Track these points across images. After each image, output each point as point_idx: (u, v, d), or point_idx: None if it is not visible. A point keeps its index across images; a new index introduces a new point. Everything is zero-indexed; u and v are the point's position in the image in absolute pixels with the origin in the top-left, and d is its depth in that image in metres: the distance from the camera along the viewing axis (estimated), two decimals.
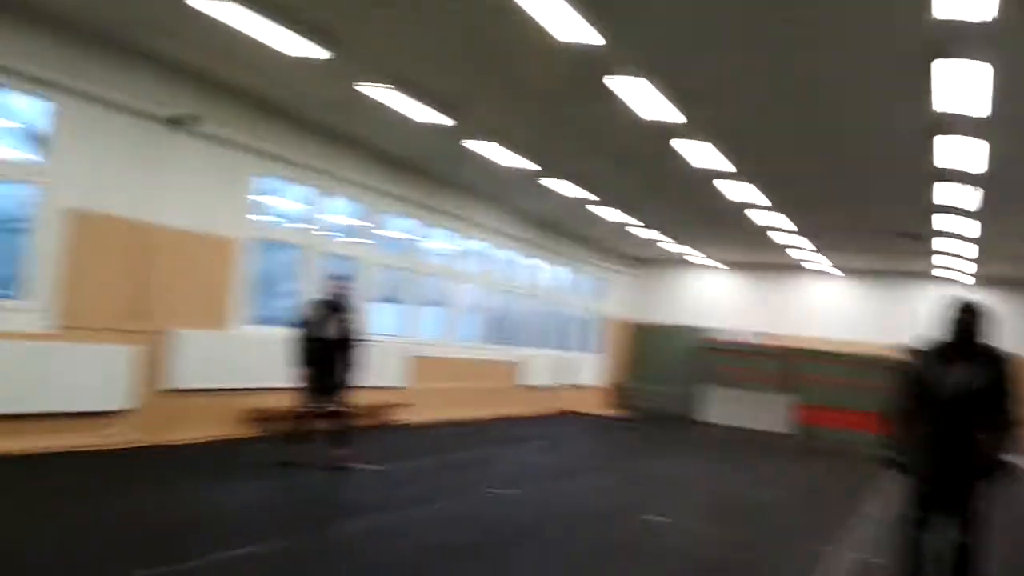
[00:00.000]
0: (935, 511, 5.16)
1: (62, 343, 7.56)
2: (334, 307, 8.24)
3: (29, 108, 7.72)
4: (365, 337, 8.54)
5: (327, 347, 8.13)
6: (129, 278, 8.23)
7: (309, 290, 10.22)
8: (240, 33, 6.74)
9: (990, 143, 7.87)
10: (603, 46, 6.38)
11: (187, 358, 8.74)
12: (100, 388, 7.87)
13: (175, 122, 8.47)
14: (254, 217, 9.84)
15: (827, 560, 6.46)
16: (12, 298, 7.60)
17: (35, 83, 7.22)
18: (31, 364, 7.29)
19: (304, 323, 8.19)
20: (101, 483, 6.83)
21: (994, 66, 5.99)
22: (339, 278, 8.52)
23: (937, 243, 13.76)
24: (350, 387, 8.31)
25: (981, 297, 5.85)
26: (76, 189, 7.66)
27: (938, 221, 11.91)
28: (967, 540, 5.10)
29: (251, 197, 9.69)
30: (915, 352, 5.31)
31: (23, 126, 7.98)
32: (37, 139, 7.69)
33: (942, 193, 10.12)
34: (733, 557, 6.40)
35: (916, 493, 5.16)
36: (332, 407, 8.20)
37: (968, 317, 5.01)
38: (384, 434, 11.05)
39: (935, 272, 16.81)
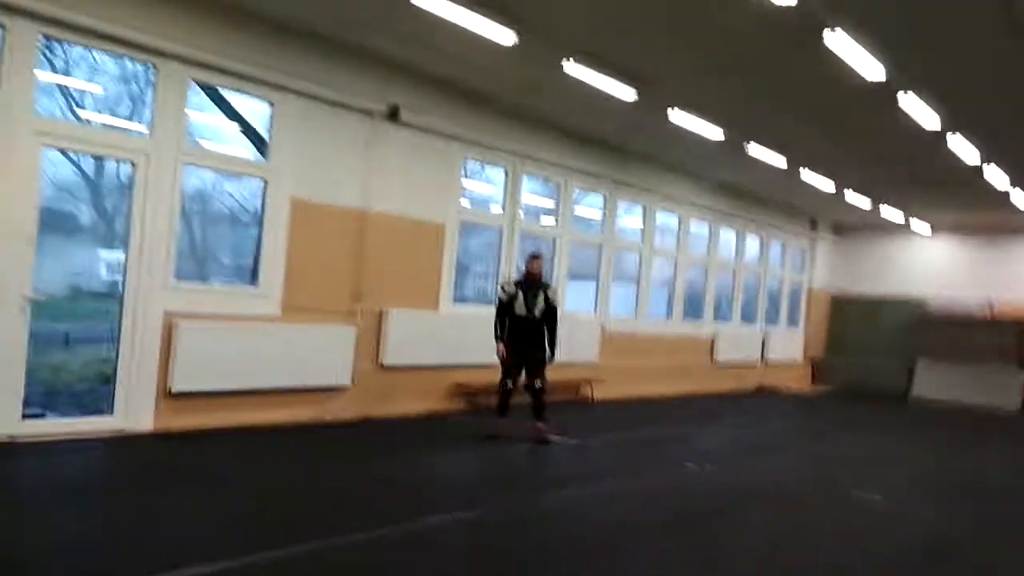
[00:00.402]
0: None
1: (289, 324, 8.27)
2: (532, 285, 8.50)
3: (251, 107, 8.50)
4: (561, 314, 8.72)
5: (526, 324, 8.43)
6: (347, 263, 8.85)
7: (508, 270, 10.56)
8: (441, 21, 6.99)
9: None
10: (807, 3, 6.09)
11: (400, 337, 9.29)
12: (322, 366, 8.53)
13: (388, 115, 8.98)
14: (460, 201, 10.24)
15: None
16: (247, 284, 8.45)
17: (256, 83, 7.85)
18: (262, 344, 7.99)
19: (504, 301, 8.50)
20: (328, 452, 7.47)
21: None
22: (535, 256, 8.74)
23: None
24: (548, 363, 8.55)
25: None
26: (297, 181, 8.31)
27: None
28: None
29: (456, 181, 10.08)
30: None
31: (248, 125, 8.82)
32: (260, 136, 8.45)
33: None
34: (957, 541, 5.98)
35: None
36: (532, 382, 8.49)
37: None
38: (579, 409, 11.24)
39: None
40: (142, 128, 7.94)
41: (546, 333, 8.51)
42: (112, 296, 10.82)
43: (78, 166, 13.48)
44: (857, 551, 5.59)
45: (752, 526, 6.06)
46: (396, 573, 4.42)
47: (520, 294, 8.45)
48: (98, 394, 7.88)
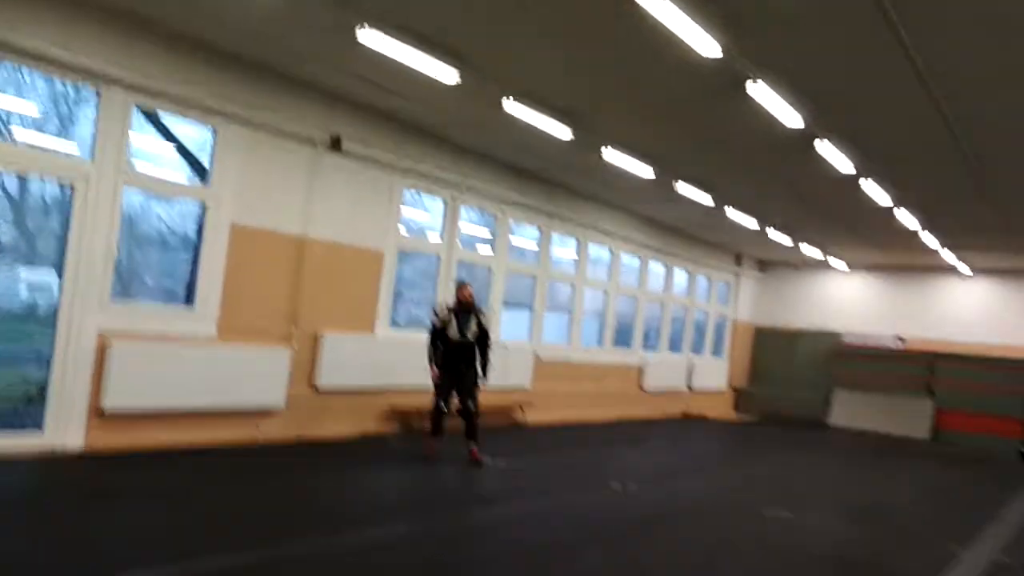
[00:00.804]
0: None
1: (224, 345, 8.37)
2: (464, 310, 8.80)
3: (193, 132, 8.63)
4: (493, 339, 9.03)
5: (460, 348, 8.71)
6: (285, 287, 8.99)
7: (444, 296, 10.83)
8: (386, 58, 7.28)
9: None
10: (732, 56, 6.58)
11: (335, 359, 9.44)
12: (257, 387, 8.61)
13: (330, 144, 9.21)
14: (399, 229, 10.49)
15: (961, 561, 6.39)
16: (184, 306, 8.51)
17: (199, 109, 7.99)
18: (195, 365, 8.05)
19: (437, 326, 8.76)
20: (261, 471, 7.56)
21: None
22: (463, 284, 9.04)
23: None
24: (481, 385, 8.84)
25: None
26: (237, 206, 8.45)
27: None
28: None
29: (397, 211, 10.33)
30: None
31: (184, 148, 8.92)
32: (196, 160, 8.58)
33: None
34: (861, 555, 6.41)
35: None
36: (466, 404, 8.74)
37: None
38: (511, 433, 11.52)
39: None
40: (72, 148, 7.99)
41: (479, 356, 8.80)
42: (32, 316, 10.69)
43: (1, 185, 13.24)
44: (766, 560, 5.99)
45: (670, 541, 6.39)
46: None
47: (453, 319, 8.74)
48: (22, 415, 7.80)
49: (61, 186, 7.73)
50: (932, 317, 18.14)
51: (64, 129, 11.43)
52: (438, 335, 8.75)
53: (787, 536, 6.86)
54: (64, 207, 11.83)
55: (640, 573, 5.37)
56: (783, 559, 6.09)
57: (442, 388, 8.75)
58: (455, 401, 8.79)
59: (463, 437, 8.75)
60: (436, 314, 8.87)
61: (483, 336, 8.82)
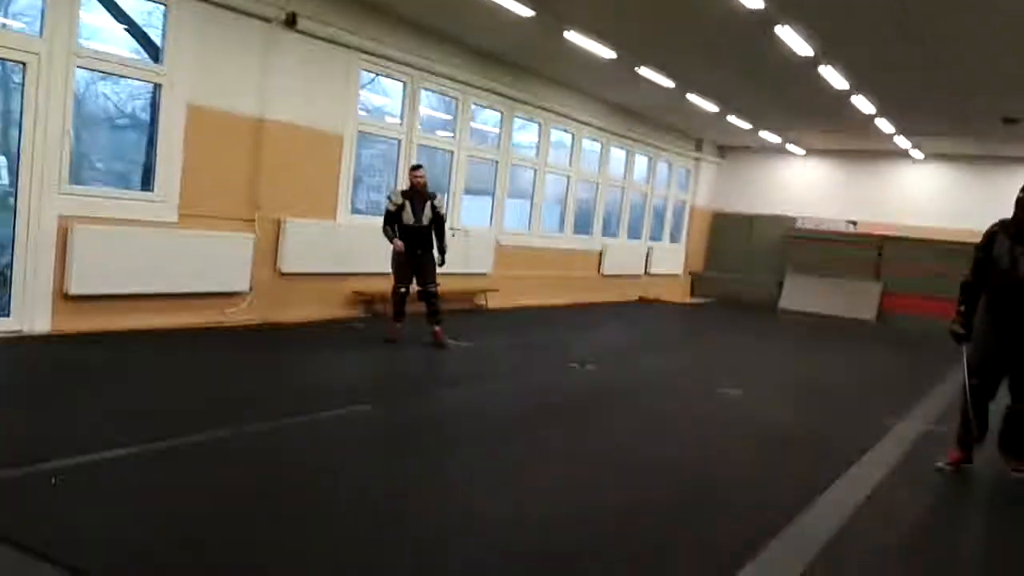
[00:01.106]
0: (993, 379, 5.52)
1: (186, 230, 8.34)
2: (418, 195, 8.82)
3: (148, 13, 8.31)
4: (449, 223, 9.15)
5: (415, 232, 8.79)
6: (245, 171, 8.92)
7: (403, 182, 10.81)
8: None
9: None
10: None
11: (297, 245, 9.49)
12: (221, 272, 8.68)
13: (286, 22, 8.95)
14: (358, 112, 10.33)
15: (895, 431, 6.87)
16: (142, 190, 8.41)
17: None
18: (159, 250, 8.07)
19: (392, 211, 8.80)
20: (226, 353, 7.73)
21: None
22: (416, 167, 9.01)
23: None
24: (439, 266, 8.96)
25: None
26: (192, 87, 8.26)
27: None
28: (1020, 407, 5.46)
29: (354, 92, 10.15)
30: (989, 229, 5.56)
31: (136, 26, 8.60)
32: (149, 39, 8.30)
33: None
34: (803, 427, 6.83)
35: (974, 362, 5.52)
36: (425, 286, 8.89)
37: None
38: (473, 317, 11.79)
39: None
40: (20, 25, 7.69)
41: (435, 240, 8.90)
42: None
43: None
44: (718, 433, 6.40)
45: (626, 416, 6.74)
46: (294, 458, 4.81)
47: (408, 204, 8.77)
48: None
49: (2, 61, 7.44)
50: (884, 201, 18.58)
51: (3, 5, 10.85)
52: (393, 219, 8.80)
53: (736, 411, 7.27)
54: (4, 87, 11.35)
55: (598, 445, 5.70)
56: (732, 433, 6.48)
57: (401, 272, 8.88)
58: (415, 285, 8.94)
59: (425, 320, 8.96)
60: (390, 199, 8.90)
61: (438, 220, 8.89)
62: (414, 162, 9.70)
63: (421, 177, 8.86)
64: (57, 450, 4.31)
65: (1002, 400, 5.61)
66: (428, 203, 8.82)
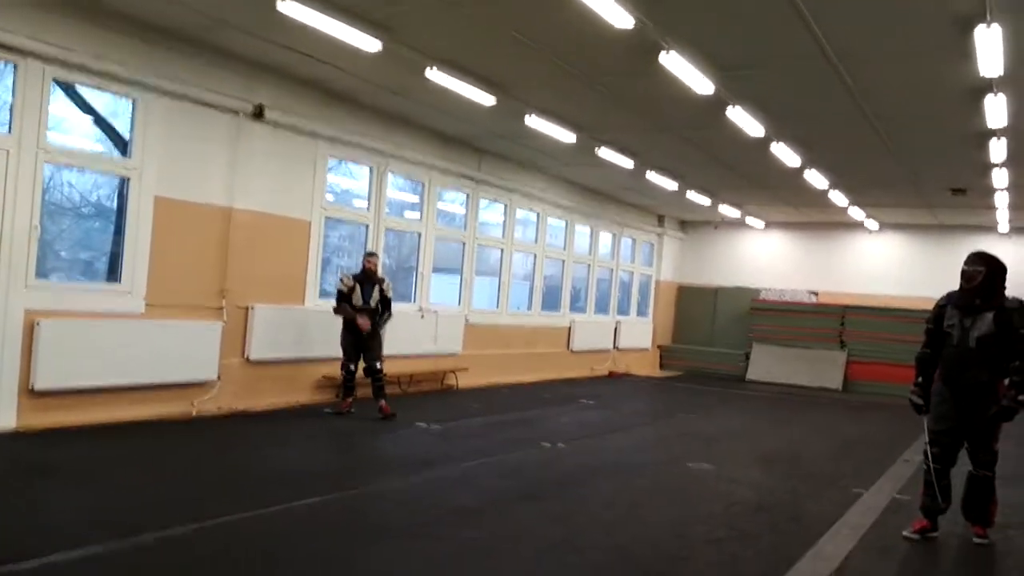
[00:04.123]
0: (952, 447, 5.66)
1: (153, 320, 8.33)
2: (368, 279, 9.41)
3: (114, 104, 8.47)
4: (394, 309, 9.77)
5: (363, 314, 9.31)
6: (212, 259, 8.98)
7: (353, 265, 10.95)
8: (306, 27, 7.29)
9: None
10: (644, 27, 6.83)
11: (266, 331, 9.51)
12: (188, 361, 8.64)
13: (253, 114, 9.17)
14: (324, 197, 10.51)
15: (863, 500, 6.95)
16: (108, 281, 8.42)
17: (119, 81, 7.88)
18: (126, 341, 8.03)
19: (344, 292, 9.33)
20: (193, 445, 7.65)
21: None
22: (371, 254, 9.67)
23: (990, 197, 13.91)
24: (381, 326, 9.54)
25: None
26: (160, 179, 8.38)
27: (991, 175, 12.11)
28: (980, 473, 5.59)
29: (321, 179, 10.35)
30: (938, 303, 5.78)
31: (102, 119, 8.74)
32: (115, 131, 8.44)
33: (994, 150, 10.36)
34: (773, 499, 6.89)
35: (934, 431, 5.66)
36: (372, 364, 9.35)
37: (976, 267, 5.44)
38: (443, 397, 11.78)
39: (989, 224, 16.84)
40: None
41: (381, 321, 9.53)
42: None
43: None
44: (689, 508, 6.42)
45: (597, 493, 6.75)
46: (261, 551, 4.78)
47: (358, 287, 9.36)
48: None
49: None
50: (843, 271, 19.05)
51: None
52: (344, 300, 9.35)
53: (706, 486, 7.31)
54: None
55: (570, 525, 5.70)
56: (705, 507, 6.52)
57: (350, 351, 9.40)
58: (362, 364, 9.42)
59: (373, 395, 9.36)
60: (342, 280, 9.44)
61: (385, 302, 9.52)
62: (369, 248, 10.44)
63: (374, 264, 9.51)
64: (22, 551, 4.24)
65: (964, 466, 5.74)
66: (377, 287, 9.44)
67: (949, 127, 9.91)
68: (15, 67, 7.09)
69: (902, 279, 18.12)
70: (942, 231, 17.91)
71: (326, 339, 10.04)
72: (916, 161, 12.05)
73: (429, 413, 9.53)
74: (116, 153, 8.43)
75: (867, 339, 17.85)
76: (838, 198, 15.17)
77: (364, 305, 9.33)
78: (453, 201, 13.99)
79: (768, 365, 18.75)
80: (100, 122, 8.78)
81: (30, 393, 7.34)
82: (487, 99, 9.39)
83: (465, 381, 12.86)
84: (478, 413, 10.73)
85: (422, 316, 12.13)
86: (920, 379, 5.76)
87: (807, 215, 18.15)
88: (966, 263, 5.53)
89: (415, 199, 12.81)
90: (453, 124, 11.52)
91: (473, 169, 12.97)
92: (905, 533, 5.77)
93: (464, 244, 13.36)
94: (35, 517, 5.00)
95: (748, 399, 15.74)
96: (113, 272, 8.39)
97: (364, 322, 9.22)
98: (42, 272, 7.70)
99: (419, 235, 12.32)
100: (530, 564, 4.78)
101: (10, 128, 7.15)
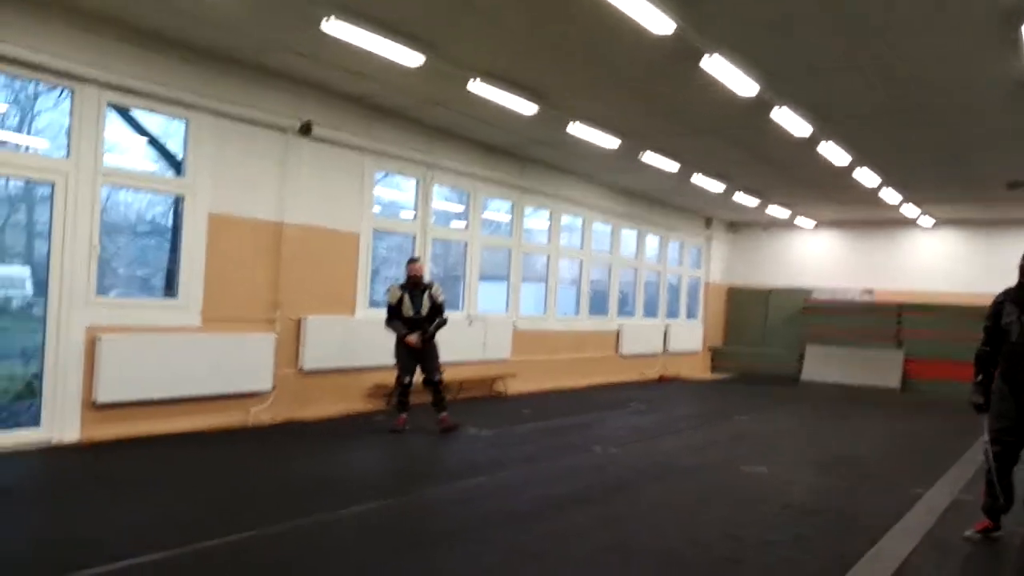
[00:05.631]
0: (1014, 445, 5.52)
1: (209, 334, 8.56)
2: (415, 286, 9.05)
3: (166, 125, 8.74)
4: (447, 313, 9.29)
5: (415, 323, 8.98)
6: (265, 273, 9.19)
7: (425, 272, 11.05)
8: (351, 45, 7.45)
9: None
10: (686, 32, 6.83)
11: (318, 342, 9.68)
12: (244, 372, 8.86)
13: (301, 130, 9.36)
14: (371, 210, 10.66)
15: (923, 501, 6.80)
16: (165, 296, 8.69)
17: (171, 104, 8.15)
18: (183, 354, 8.27)
19: (392, 304, 9.02)
20: (250, 453, 7.82)
21: None
22: (413, 260, 9.27)
23: None
24: (438, 356, 9.13)
25: None
26: (213, 197, 8.61)
27: None
28: None
29: (369, 192, 10.51)
30: (996, 299, 5.65)
31: (155, 140, 9.03)
32: (168, 151, 8.70)
33: None
34: (829, 500, 6.78)
35: (994, 430, 5.53)
36: (431, 376, 9.06)
37: None
38: (493, 404, 11.83)
39: None
40: (37, 143, 8.04)
41: (433, 329, 9.06)
42: (6, 312, 10.75)
43: None
44: (742, 511, 6.34)
45: (648, 497, 6.73)
46: (320, 557, 4.87)
47: (406, 296, 9.00)
48: (17, 411, 7.97)
49: (27, 182, 7.77)
50: (899, 269, 18.67)
51: (25, 124, 11.29)
52: (395, 313, 9.02)
53: (762, 488, 7.22)
54: (28, 201, 11.68)
55: (621, 528, 5.69)
56: (758, 509, 6.43)
57: (405, 364, 9.04)
58: (418, 373, 9.09)
59: (433, 408, 9.14)
60: (389, 291, 9.14)
61: (437, 308, 9.08)
62: (411, 256, 9.97)
63: (417, 269, 9.12)
64: (90, 557, 4.39)
65: None
66: (426, 293, 9.04)
67: (1001, 122, 9.68)
68: (72, 93, 7.36)
69: (958, 275, 17.71)
70: (998, 226, 17.45)
71: (376, 348, 10.16)
72: (969, 157, 11.78)
73: (479, 419, 9.58)
74: (170, 173, 8.69)
75: (924, 337, 17.46)
76: (889, 195, 14.88)
77: (416, 315, 8.96)
78: (498, 209, 14.09)
79: (823, 365, 18.45)
80: (153, 143, 9.08)
81: (92, 406, 7.59)
82: (529, 108, 9.45)
83: (514, 387, 12.90)
84: (528, 419, 10.75)
85: (470, 323, 12.21)
86: (980, 377, 5.64)
87: (858, 213, 17.83)
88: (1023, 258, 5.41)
89: (460, 208, 12.93)
90: (496, 134, 11.61)
91: (517, 177, 13.04)
92: (967, 533, 5.64)
93: (510, 251, 13.42)
94: (97, 525, 5.17)
95: (802, 400, 15.49)
96: (170, 287, 8.65)
97: (414, 339, 8.91)
98: (102, 289, 7.96)
99: (465, 244, 12.42)
100: (581, 568, 4.79)
101: (68, 152, 7.42)
